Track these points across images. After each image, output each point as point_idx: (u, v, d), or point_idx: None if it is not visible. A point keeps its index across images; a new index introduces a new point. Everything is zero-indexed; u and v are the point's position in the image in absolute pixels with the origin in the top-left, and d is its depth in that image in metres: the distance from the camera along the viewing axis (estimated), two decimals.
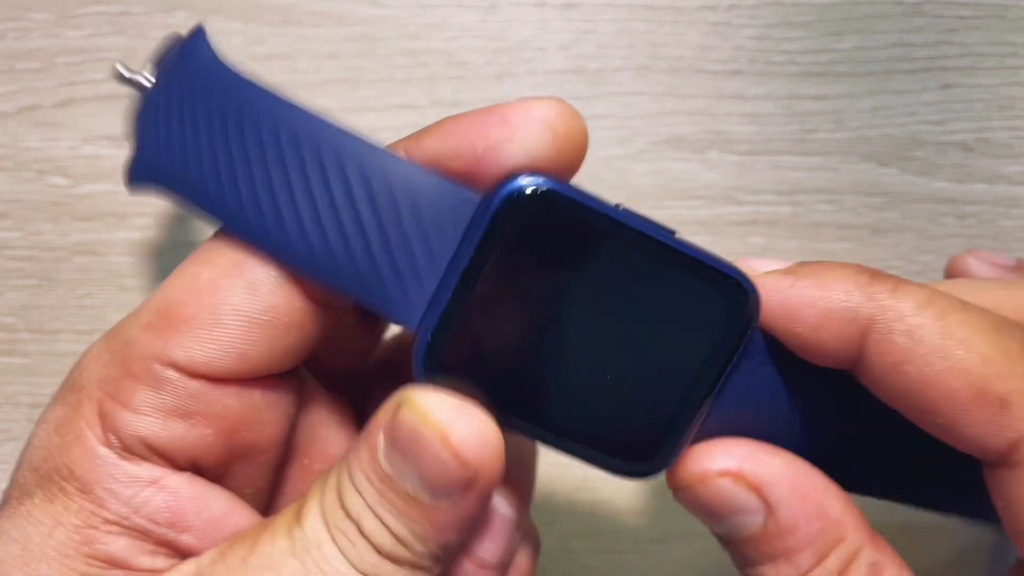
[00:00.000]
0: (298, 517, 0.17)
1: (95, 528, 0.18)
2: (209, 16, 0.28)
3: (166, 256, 0.29)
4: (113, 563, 0.18)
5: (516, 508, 0.19)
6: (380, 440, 0.17)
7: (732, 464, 0.17)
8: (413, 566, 0.17)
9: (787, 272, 0.17)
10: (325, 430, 0.21)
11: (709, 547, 0.23)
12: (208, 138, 0.18)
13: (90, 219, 0.28)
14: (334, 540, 0.17)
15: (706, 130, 0.29)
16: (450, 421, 0.16)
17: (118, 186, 0.28)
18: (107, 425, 0.18)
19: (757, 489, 0.17)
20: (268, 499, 0.21)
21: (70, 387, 0.19)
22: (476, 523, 0.18)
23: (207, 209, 0.18)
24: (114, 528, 0.18)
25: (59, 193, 0.28)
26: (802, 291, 0.17)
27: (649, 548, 0.29)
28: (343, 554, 0.17)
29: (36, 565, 0.17)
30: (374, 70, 0.29)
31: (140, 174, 0.19)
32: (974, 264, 0.23)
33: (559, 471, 0.29)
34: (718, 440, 0.18)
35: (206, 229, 0.28)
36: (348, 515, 0.17)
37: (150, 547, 0.18)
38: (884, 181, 0.29)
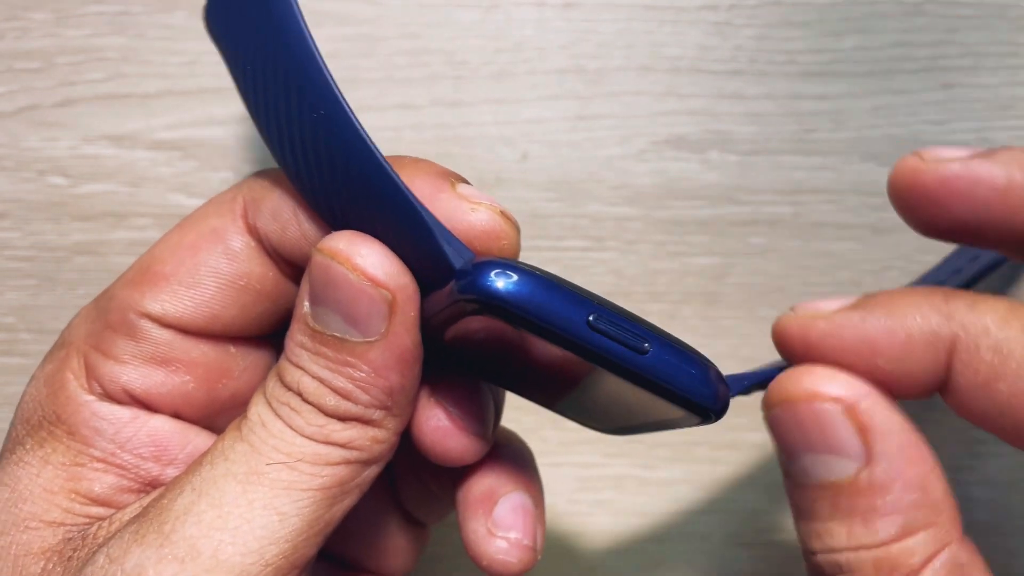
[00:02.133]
0: (245, 413, 0.18)
1: (82, 466, 0.18)
2: None
3: None
4: (96, 501, 0.18)
5: None
6: (305, 305, 0.17)
7: (849, 394, 0.16)
8: (361, 421, 0.17)
9: (855, 307, 0.16)
10: None
11: None
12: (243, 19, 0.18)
13: (90, 219, 0.28)
14: (277, 415, 0.17)
15: (706, 130, 0.29)
16: (353, 248, 0.17)
17: (118, 186, 0.28)
18: (91, 375, 0.18)
19: (864, 431, 0.15)
20: None
21: (59, 345, 0.19)
22: (416, 364, 0.18)
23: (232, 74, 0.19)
24: (100, 466, 0.18)
25: (59, 193, 0.28)
26: (877, 323, 0.16)
27: None
28: (288, 425, 0.17)
29: (21, 504, 0.18)
30: (374, 69, 0.29)
31: (208, 20, 0.19)
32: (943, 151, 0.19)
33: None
34: (838, 366, 0.16)
35: None
36: (288, 388, 0.17)
37: (136, 486, 0.18)
38: (885, 181, 0.29)
